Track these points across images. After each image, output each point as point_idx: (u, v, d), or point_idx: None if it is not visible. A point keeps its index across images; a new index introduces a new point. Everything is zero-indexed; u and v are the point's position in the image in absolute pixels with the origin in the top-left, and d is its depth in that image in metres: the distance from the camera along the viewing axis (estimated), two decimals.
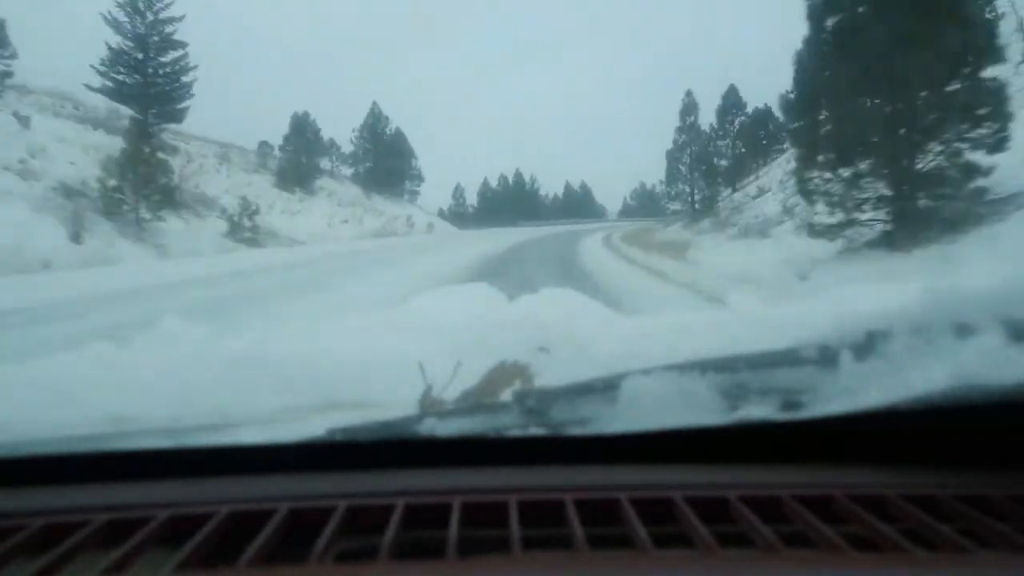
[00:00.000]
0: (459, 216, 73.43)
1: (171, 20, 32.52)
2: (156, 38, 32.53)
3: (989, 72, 9.85)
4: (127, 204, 20.23)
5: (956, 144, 9.74)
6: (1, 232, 13.60)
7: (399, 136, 60.02)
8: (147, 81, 32.41)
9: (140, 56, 32.42)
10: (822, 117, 10.91)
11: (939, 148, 9.92)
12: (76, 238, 16.44)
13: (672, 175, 43.47)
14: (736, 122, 45.48)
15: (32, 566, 0.56)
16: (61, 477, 0.75)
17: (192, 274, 12.86)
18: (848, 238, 10.63)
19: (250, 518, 0.64)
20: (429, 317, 2.38)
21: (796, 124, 11.87)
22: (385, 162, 55.39)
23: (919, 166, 10.13)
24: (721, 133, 45.36)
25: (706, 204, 33.49)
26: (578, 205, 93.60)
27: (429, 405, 1.17)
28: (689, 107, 43.06)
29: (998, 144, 9.50)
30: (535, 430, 0.81)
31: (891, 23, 9.60)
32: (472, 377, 1.30)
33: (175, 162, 26.60)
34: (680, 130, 43.16)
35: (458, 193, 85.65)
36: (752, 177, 34.39)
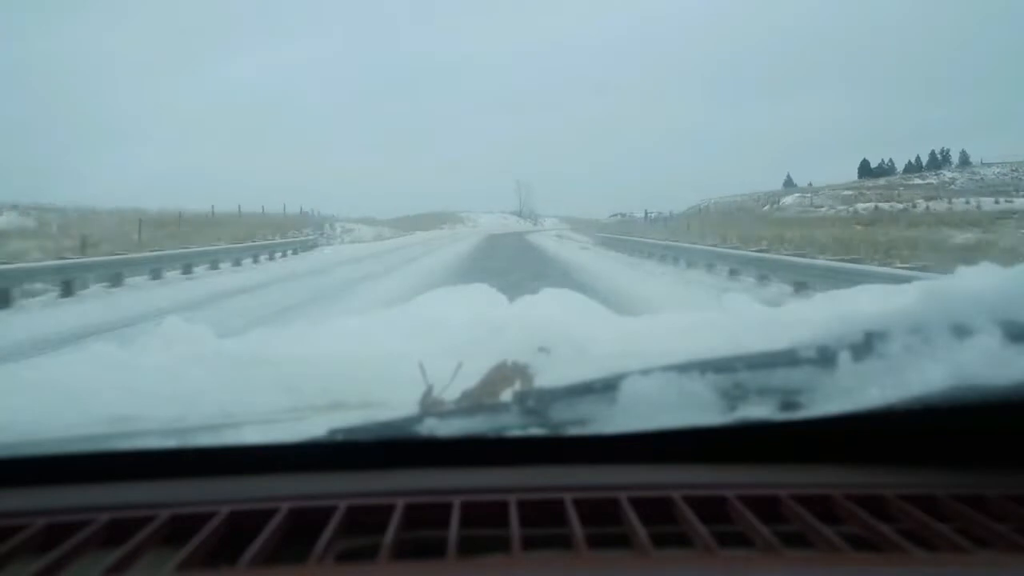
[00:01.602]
0: None
1: None
2: None
3: None
4: None
5: None
6: None
7: None
8: None
9: None
10: None
11: None
12: None
13: None
14: None
15: (34, 566, 0.57)
16: (62, 477, 0.76)
17: None
18: None
19: (251, 518, 0.65)
20: (429, 317, 2.38)
21: None
22: None
23: None
24: None
25: None
26: None
27: (429, 405, 1.17)
28: None
29: None
30: (535, 430, 0.81)
31: None
32: (472, 377, 1.30)
33: None
34: None
35: None
36: None
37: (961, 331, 0.77)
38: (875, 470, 0.72)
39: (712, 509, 0.65)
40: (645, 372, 0.85)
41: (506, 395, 1.17)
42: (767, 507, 0.65)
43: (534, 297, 2.82)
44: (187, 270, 18.19)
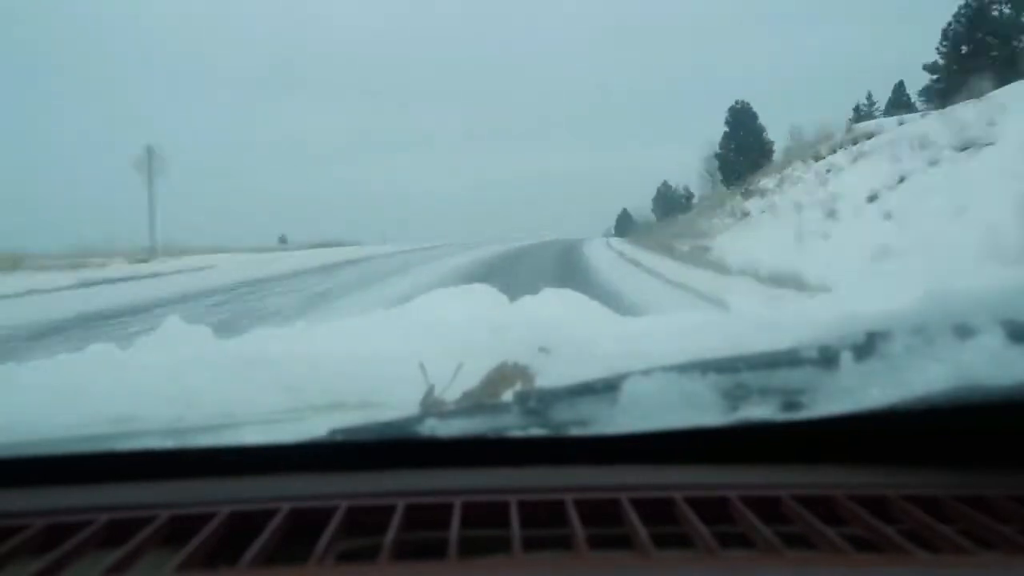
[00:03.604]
0: None
1: None
2: None
3: None
4: None
5: None
6: None
7: None
8: None
9: None
10: None
11: None
12: None
13: None
14: None
15: (34, 566, 0.57)
16: (63, 477, 0.75)
17: None
18: None
19: (251, 518, 0.64)
20: (430, 318, 2.39)
21: None
22: None
23: None
24: None
25: None
26: None
27: (430, 406, 1.18)
28: None
29: None
30: (536, 431, 0.81)
31: None
32: (473, 378, 1.30)
33: None
34: None
35: None
36: None
37: (963, 331, 0.77)
38: (877, 471, 0.72)
39: (714, 510, 0.64)
40: (646, 372, 0.85)
41: (507, 395, 1.18)
42: (769, 508, 0.64)
43: (535, 297, 2.83)
44: None
